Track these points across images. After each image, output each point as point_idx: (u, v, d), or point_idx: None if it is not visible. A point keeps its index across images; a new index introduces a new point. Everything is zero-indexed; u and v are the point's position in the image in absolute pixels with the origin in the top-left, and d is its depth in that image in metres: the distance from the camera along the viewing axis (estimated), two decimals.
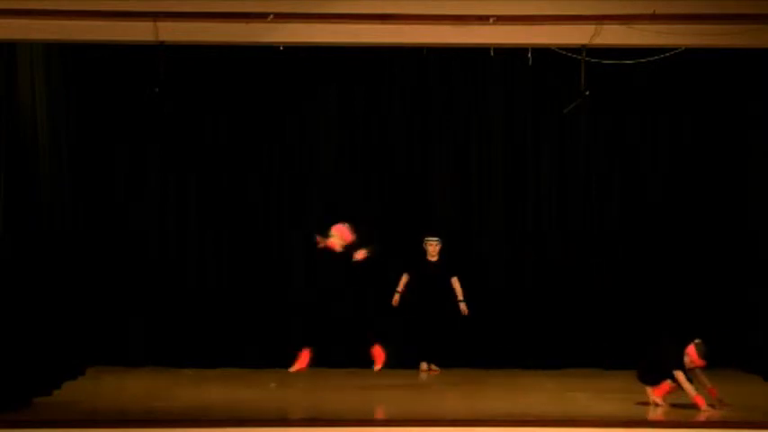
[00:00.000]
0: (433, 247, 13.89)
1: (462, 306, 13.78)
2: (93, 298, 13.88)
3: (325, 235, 12.15)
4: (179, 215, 14.26)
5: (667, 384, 11.49)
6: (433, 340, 13.91)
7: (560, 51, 11.52)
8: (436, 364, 13.91)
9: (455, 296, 13.82)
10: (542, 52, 11.59)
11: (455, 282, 13.85)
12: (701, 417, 10.99)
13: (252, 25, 10.95)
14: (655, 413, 11.25)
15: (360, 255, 12.18)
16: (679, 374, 11.34)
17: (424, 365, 13.89)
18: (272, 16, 10.90)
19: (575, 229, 14.36)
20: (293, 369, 11.97)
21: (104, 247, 14.09)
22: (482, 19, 10.98)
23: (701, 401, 11.23)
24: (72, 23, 10.83)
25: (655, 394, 11.53)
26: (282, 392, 12.09)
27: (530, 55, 11.47)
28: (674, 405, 11.45)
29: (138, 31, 10.88)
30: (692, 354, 11.46)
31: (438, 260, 13.90)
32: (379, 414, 11.06)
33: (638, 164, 14.37)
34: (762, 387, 12.93)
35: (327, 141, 14.37)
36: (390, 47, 11.70)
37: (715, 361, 13.96)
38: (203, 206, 14.24)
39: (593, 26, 10.99)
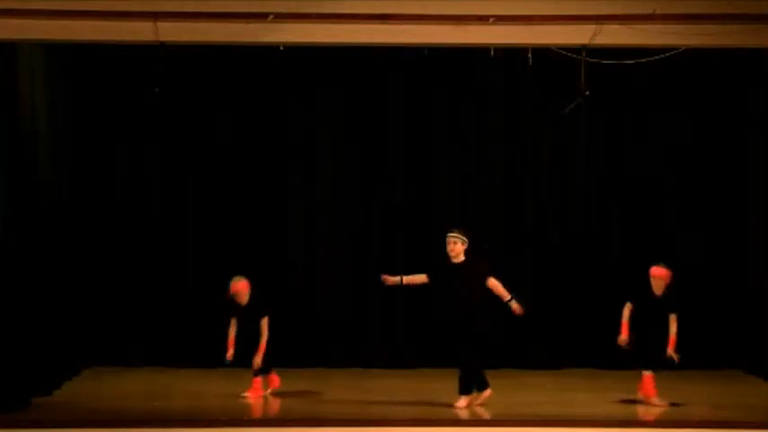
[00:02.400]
0: (450, 246, 11.23)
1: (514, 305, 11.30)
2: (92, 298, 13.89)
3: None
4: (178, 215, 14.26)
5: (649, 378, 11.49)
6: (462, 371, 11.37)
7: (560, 51, 11.52)
8: (477, 390, 11.46)
9: (499, 298, 11.36)
10: (542, 52, 11.58)
11: (493, 284, 11.26)
12: (696, 417, 10.98)
13: (252, 25, 10.96)
14: (652, 413, 11.25)
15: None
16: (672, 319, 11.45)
17: (463, 401, 11.32)
18: (272, 16, 10.91)
19: (575, 229, 14.36)
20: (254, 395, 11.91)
21: (104, 247, 14.09)
22: (482, 19, 10.99)
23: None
24: (72, 23, 10.84)
25: (641, 394, 11.54)
26: (282, 393, 12.08)
27: (530, 55, 11.47)
28: (672, 404, 11.46)
29: (138, 31, 10.89)
30: (655, 274, 11.53)
31: (463, 262, 11.26)
32: (379, 414, 11.05)
33: (637, 164, 14.37)
34: (762, 387, 12.93)
35: (327, 141, 14.36)
36: (390, 47, 11.70)
37: (716, 361, 14.05)
38: (203, 206, 14.24)
39: (593, 26, 11.00)
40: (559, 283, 14.23)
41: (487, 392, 11.36)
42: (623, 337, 11.53)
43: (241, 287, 12.04)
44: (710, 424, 10.55)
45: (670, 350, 11.39)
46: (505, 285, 12.92)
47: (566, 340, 14.17)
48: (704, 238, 14.26)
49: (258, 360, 11.85)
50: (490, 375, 13.53)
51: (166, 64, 11.20)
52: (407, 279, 11.47)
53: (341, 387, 12.70)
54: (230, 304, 12.12)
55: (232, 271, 13.96)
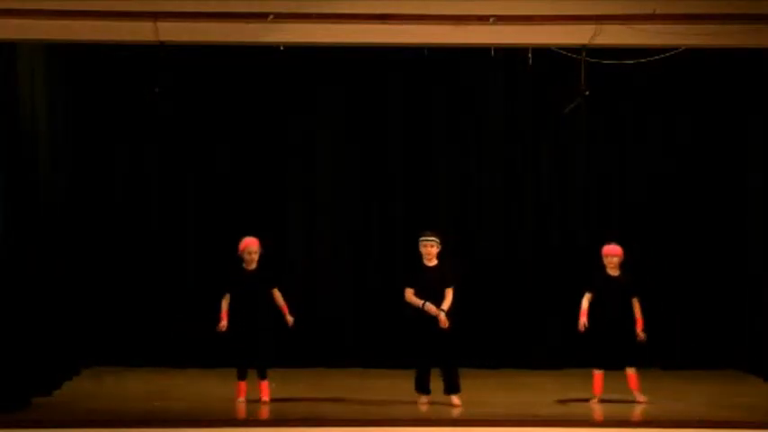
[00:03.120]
0: (428, 249, 11.46)
1: (442, 317, 11.24)
2: (92, 298, 13.89)
3: None
4: (178, 215, 14.27)
5: (598, 376, 11.51)
6: (449, 371, 11.53)
7: (560, 51, 11.52)
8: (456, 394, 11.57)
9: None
10: (542, 52, 11.58)
11: (448, 292, 11.39)
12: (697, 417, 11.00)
13: (252, 25, 10.96)
14: (652, 413, 11.24)
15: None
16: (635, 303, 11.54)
17: (423, 398, 11.57)
18: (272, 16, 10.91)
19: (574, 229, 14.36)
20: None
21: (104, 247, 14.09)
22: (482, 19, 10.99)
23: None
24: (72, 23, 10.84)
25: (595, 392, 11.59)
26: (282, 392, 12.08)
27: (530, 55, 11.47)
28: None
29: (138, 31, 10.89)
30: (607, 252, 11.64)
31: (437, 265, 11.48)
32: (379, 414, 11.05)
33: (637, 164, 14.38)
34: (762, 387, 12.92)
35: (327, 141, 14.37)
36: (390, 47, 11.70)
37: (716, 361, 14.05)
38: (203, 206, 14.25)
39: (593, 26, 11.00)
40: (559, 283, 14.22)
41: (425, 399, 11.54)
42: (582, 321, 11.54)
43: (253, 243, 11.49)
44: (710, 424, 10.54)
45: (639, 330, 11.41)
46: (505, 285, 13.02)
47: (566, 340, 14.15)
48: (704, 236, 14.26)
49: (291, 319, 11.52)
50: (491, 375, 13.63)
51: (166, 64, 11.19)
52: (419, 302, 11.43)
53: (341, 387, 12.69)
54: (230, 273, 11.58)
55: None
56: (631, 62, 12.25)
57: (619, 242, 14.07)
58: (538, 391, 12.54)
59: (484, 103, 14.38)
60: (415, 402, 11.52)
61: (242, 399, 11.57)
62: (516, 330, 14.20)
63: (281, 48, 11.47)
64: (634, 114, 14.36)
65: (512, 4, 10.98)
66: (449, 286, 11.42)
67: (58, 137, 12.91)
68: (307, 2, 10.92)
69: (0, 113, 11.21)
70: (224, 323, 11.50)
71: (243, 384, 11.61)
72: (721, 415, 11.02)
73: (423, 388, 11.56)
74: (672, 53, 11.50)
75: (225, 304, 11.56)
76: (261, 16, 10.91)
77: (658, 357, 14.06)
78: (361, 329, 14.26)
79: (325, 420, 10.69)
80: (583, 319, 11.56)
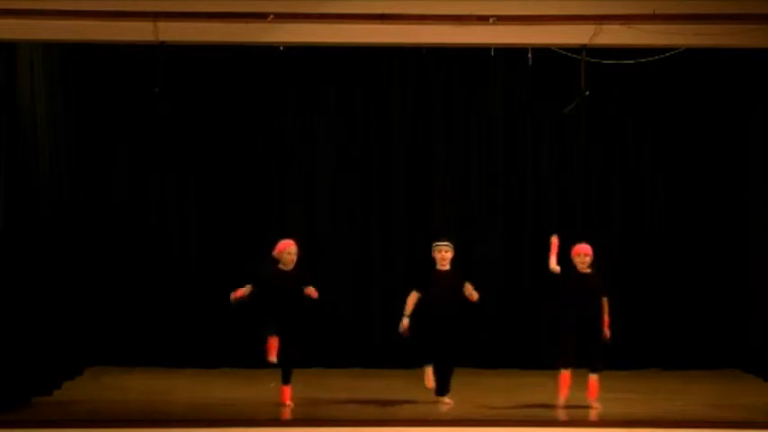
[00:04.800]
0: (442, 254, 11.60)
1: (474, 295, 11.59)
2: (93, 297, 13.89)
3: None
4: (178, 215, 14.27)
5: (566, 375, 11.46)
6: (446, 372, 11.67)
7: (560, 51, 11.52)
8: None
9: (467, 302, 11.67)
10: (542, 52, 11.59)
11: (468, 286, 11.62)
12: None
13: (252, 25, 10.95)
14: (652, 413, 11.24)
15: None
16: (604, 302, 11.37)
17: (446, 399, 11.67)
18: (272, 16, 10.91)
19: (574, 230, 14.34)
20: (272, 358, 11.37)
21: (104, 247, 14.10)
22: (482, 19, 10.99)
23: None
24: (72, 23, 10.84)
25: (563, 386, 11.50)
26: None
27: (530, 55, 11.48)
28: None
29: (138, 31, 10.89)
30: (579, 251, 11.47)
31: (449, 270, 11.65)
32: (378, 414, 11.05)
33: (637, 164, 14.38)
34: (762, 387, 12.93)
35: (327, 141, 14.38)
36: (390, 47, 11.70)
37: (715, 361, 14.04)
38: (203, 206, 14.25)
39: (593, 26, 10.99)
40: (559, 284, 14.20)
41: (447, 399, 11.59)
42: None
43: (292, 245, 11.33)
44: (710, 424, 10.54)
45: (605, 328, 11.32)
46: (504, 285, 13.04)
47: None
48: (704, 237, 14.26)
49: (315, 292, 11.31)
50: (490, 375, 13.63)
51: (166, 64, 11.19)
52: (409, 309, 11.55)
53: (341, 387, 12.69)
54: (265, 274, 11.28)
55: (233, 271, 14.03)
56: (631, 62, 12.25)
57: (618, 241, 14.17)
58: (538, 391, 12.53)
59: (484, 103, 14.37)
60: (415, 402, 11.54)
61: (288, 402, 11.30)
62: (516, 330, 14.18)
63: (281, 48, 11.48)
64: (634, 114, 14.36)
65: (512, 4, 10.98)
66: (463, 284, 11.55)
67: (58, 137, 12.90)
68: (307, 2, 10.92)
69: (0, 113, 11.22)
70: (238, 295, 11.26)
71: (287, 389, 11.33)
72: (721, 415, 11.02)
73: (442, 390, 11.57)
74: (672, 53, 11.50)
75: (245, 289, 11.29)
76: (261, 16, 10.91)
77: (658, 357, 14.08)
78: (361, 329, 14.26)
79: (325, 420, 10.68)
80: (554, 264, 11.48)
